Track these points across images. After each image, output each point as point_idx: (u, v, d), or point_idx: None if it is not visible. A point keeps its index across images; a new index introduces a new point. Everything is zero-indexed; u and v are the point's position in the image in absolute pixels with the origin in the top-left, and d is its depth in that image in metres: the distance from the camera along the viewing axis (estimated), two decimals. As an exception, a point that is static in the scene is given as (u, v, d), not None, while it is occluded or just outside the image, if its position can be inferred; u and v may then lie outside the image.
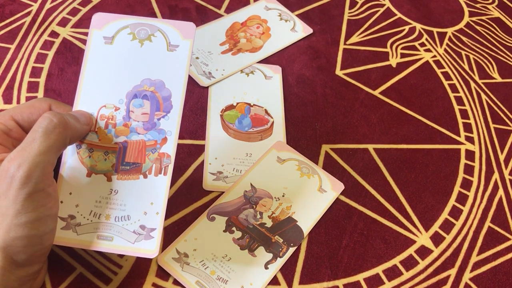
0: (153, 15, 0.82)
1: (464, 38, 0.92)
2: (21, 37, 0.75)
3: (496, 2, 1.02)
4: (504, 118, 0.79)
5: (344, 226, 0.63)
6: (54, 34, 0.77)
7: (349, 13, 0.92)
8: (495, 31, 0.95)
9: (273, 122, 0.71)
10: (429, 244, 0.63)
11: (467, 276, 0.61)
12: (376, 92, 0.79)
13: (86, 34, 0.77)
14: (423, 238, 0.63)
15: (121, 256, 0.56)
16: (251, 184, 0.63)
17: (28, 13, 0.79)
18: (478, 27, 0.95)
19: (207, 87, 0.73)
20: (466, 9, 0.98)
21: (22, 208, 0.40)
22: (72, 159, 0.49)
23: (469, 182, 0.70)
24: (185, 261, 0.56)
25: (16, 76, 0.70)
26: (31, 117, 0.47)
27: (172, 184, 0.63)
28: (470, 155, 0.73)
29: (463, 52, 0.89)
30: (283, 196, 0.63)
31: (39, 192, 0.41)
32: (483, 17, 0.97)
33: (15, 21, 0.77)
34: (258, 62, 0.78)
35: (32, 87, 0.69)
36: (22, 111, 0.48)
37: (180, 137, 0.67)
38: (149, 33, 0.51)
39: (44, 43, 0.75)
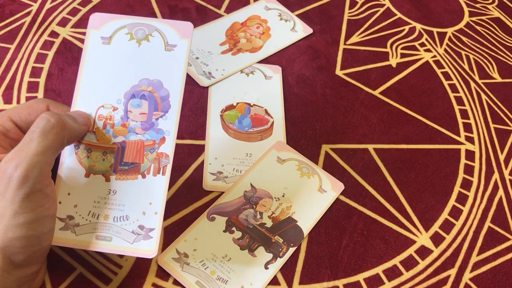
0: (153, 15, 0.82)
1: (464, 38, 0.92)
2: (21, 37, 0.75)
3: (496, 2, 1.02)
4: (504, 118, 0.79)
5: (344, 226, 0.62)
6: (54, 34, 0.77)
7: (349, 13, 0.91)
8: (495, 31, 0.95)
9: (273, 122, 0.71)
10: (429, 244, 0.63)
11: (467, 276, 0.61)
12: (376, 92, 0.79)
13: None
14: (423, 238, 0.63)
15: (121, 256, 0.56)
16: (251, 184, 0.63)
17: (28, 13, 0.79)
18: (478, 27, 0.95)
19: (207, 87, 0.73)
20: (466, 9, 0.98)
21: (20, 208, 0.40)
22: (70, 159, 0.49)
23: (469, 182, 0.70)
24: (185, 261, 0.56)
25: (16, 76, 0.70)
26: (29, 117, 0.47)
27: (172, 184, 0.63)
28: (470, 155, 0.73)
29: (463, 52, 0.89)
30: (283, 196, 0.63)
31: (36, 192, 0.41)
32: (483, 17, 0.97)
33: (15, 21, 0.77)
34: (258, 62, 0.78)
35: (32, 87, 0.69)
36: (19, 112, 0.48)
37: (180, 137, 0.67)
38: (146, 33, 0.51)
39: (44, 43, 0.75)
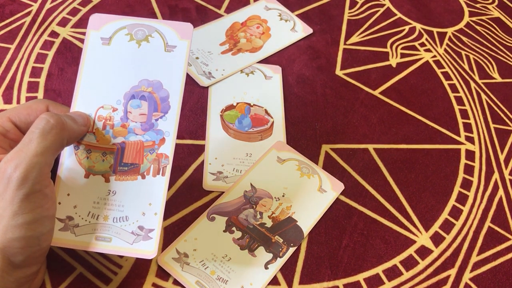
0: (153, 15, 0.82)
1: (464, 38, 0.92)
2: (21, 37, 0.75)
3: (496, 2, 1.02)
4: (504, 118, 0.79)
5: (344, 226, 0.62)
6: (54, 34, 0.77)
7: (349, 13, 0.91)
8: (495, 31, 0.95)
9: (273, 122, 0.71)
10: (429, 244, 0.63)
11: (467, 276, 0.61)
12: (376, 92, 0.79)
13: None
14: (423, 238, 0.63)
15: (121, 256, 0.56)
16: (251, 184, 0.63)
17: (28, 13, 0.79)
18: (478, 27, 0.95)
19: (207, 87, 0.73)
20: (466, 9, 0.98)
21: (19, 209, 0.40)
22: (69, 160, 0.49)
23: (469, 182, 0.70)
24: (185, 261, 0.56)
25: (16, 76, 0.70)
26: (28, 118, 0.48)
27: (172, 184, 0.63)
28: (470, 155, 0.73)
29: (463, 52, 0.89)
30: (283, 196, 0.63)
31: (36, 193, 0.41)
32: (483, 17, 0.97)
33: (15, 21, 0.77)
34: (258, 62, 0.78)
35: (32, 87, 0.69)
36: (19, 112, 0.48)
37: (180, 137, 0.67)
38: (146, 33, 0.51)
39: (44, 43, 0.75)
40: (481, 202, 0.68)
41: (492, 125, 0.78)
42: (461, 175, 0.70)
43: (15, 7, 0.79)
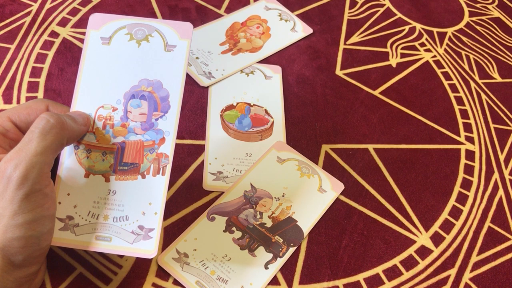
0: (153, 15, 0.82)
1: (464, 38, 0.92)
2: (21, 37, 0.75)
3: (496, 2, 1.02)
4: (504, 118, 0.79)
5: (344, 226, 0.62)
6: (54, 34, 0.77)
7: (349, 13, 0.91)
8: (495, 31, 0.95)
9: (273, 122, 0.71)
10: (429, 244, 0.63)
11: (467, 276, 0.61)
12: (376, 92, 0.79)
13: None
14: (423, 238, 0.63)
15: (121, 256, 0.56)
16: (251, 184, 0.63)
17: (28, 13, 0.79)
18: (478, 27, 0.95)
19: (207, 87, 0.73)
20: (466, 9, 0.98)
21: (19, 208, 0.40)
22: (69, 160, 0.49)
23: (469, 182, 0.70)
24: (185, 261, 0.56)
25: (16, 76, 0.70)
26: (28, 118, 0.48)
27: (172, 184, 0.63)
28: (470, 155, 0.73)
29: (463, 52, 0.89)
30: (283, 196, 0.63)
31: (36, 192, 0.41)
32: (483, 17, 0.97)
33: (15, 21, 0.77)
34: (258, 62, 0.78)
35: (32, 87, 0.69)
36: (19, 112, 0.48)
37: (180, 137, 0.67)
38: (146, 33, 0.51)
39: (44, 43, 0.75)
40: (481, 202, 0.68)
41: (492, 125, 0.78)
42: (461, 175, 0.70)
43: (15, 7, 0.79)
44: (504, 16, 0.98)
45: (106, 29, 0.51)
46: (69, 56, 0.74)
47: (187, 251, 0.57)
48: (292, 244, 0.59)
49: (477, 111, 0.79)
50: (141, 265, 0.56)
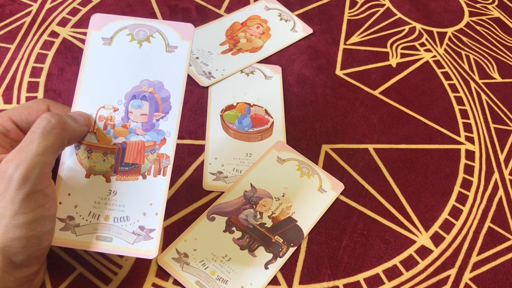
0: (153, 15, 0.82)
1: (464, 38, 0.92)
2: (21, 37, 0.75)
3: (496, 2, 1.02)
4: (504, 118, 0.79)
5: (344, 226, 0.62)
6: (54, 34, 0.77)
7: (349, 13, 0.91)
8: (495, 31, 0.95)
9: (273, 122, 0.71)
10: (429, 244, 0.63)
11: (467, 276, 0.61)
12: (376, 92, 0.79)
13: (86, 34, 0.77)
14: (423, 238, 0.63)
15: (121, 256, 0.56)
16: (251, 184, 0.63)
17: (28, 13, 0.79)
18: (478, 27, 0.95)
19: (207, 87, 0.73)
20: (466, 9, 0.98)
21: (20, 208, 0.40)
22: (70, 160, 0.49)
23: (469, 182, 0.70)
24: (185, 261, 0.56)
25: (16, 76, 0.70)
26: (29, 118, 0.48)
27: (172, 184, 0.63)
28: (470, 155, 0.73)
29: (463, 52, 0.89)
30: (283, 196, 0.63)
31: (37, 192, 0.41)
32: (483, 17, 0.97)
33: (15, 21, 0.77)
34: (258, 62, 0.78)
35: (32, 87, 0.69)
36: (20, 112, 0.48)
37: (180, 137, 0.67)
38: (147, 34, 0.51)
39: (44, 43, 0.75)
40: (481, 202, 0.68)
41: (492, 125, 0.78)
42: (461, 175, 0.71)
43: (15, 7, 0.79)
44: (504, 16, 0.98)
45: (107, 30, 0.51)
46: (69, 56, 0.74)
47: (187, 251, 0.57)
48: (292, 244, 0.59)
49: (477, 111, 0.79)
50: (141, 265, 0.56)
